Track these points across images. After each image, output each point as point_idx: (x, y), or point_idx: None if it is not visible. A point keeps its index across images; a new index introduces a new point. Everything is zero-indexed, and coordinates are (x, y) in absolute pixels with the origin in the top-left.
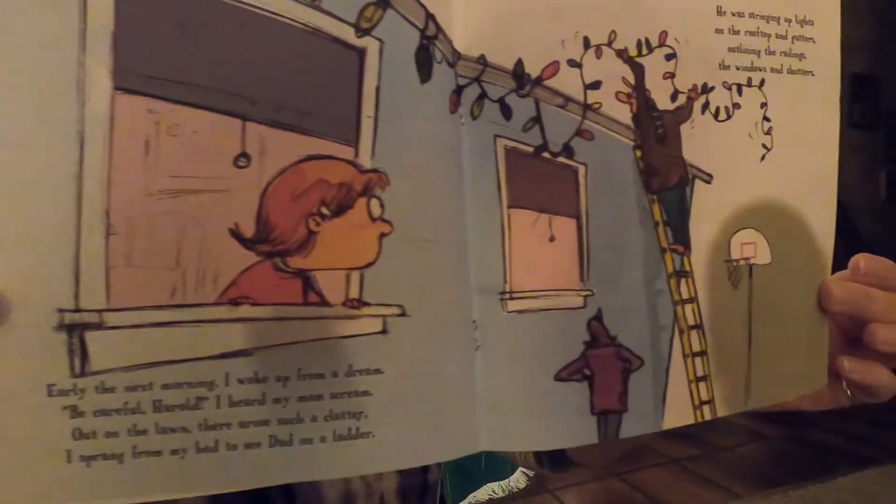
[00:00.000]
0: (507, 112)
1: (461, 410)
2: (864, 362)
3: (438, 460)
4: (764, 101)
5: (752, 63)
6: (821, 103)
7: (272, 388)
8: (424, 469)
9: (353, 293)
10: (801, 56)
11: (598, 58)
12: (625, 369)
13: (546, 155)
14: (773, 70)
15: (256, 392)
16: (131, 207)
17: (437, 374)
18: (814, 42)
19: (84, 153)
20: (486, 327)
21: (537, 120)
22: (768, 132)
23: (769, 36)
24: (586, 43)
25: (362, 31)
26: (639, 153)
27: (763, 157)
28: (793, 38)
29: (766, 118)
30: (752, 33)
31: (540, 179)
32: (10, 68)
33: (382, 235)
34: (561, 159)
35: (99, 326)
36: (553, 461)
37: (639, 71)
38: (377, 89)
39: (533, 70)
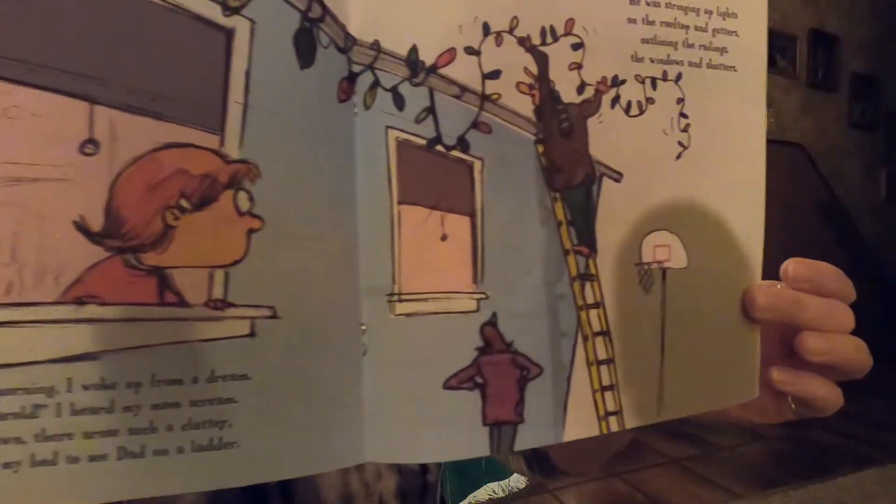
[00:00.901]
0: (399, 102)
1: (343, 419)
2: (797, 373)
3: (316, 472)
4: (681, 96)
5: (668, 56)
6: (745, 100)
7: (122, 395)
8: (424, 469)
9: (217, 293)
10: (722, 50)
11: (499, 45)
12: (521, 377)
13: (440, 148)
14: (691, 64)
15: (103, 399)
16: None
17: (313, 381)
18: (737, 36)
19: None
20: (374, 331)
21: (431, 111)
22: (685, 129)
23: (687, 28)
24: (486, 29)
25: (230, 10)
26: (541, 148)
27: (679, 156)
28: (713, 30)
29: (683, 114)
30: (668, 24)
31: (433, 174)
32: None
33: (251, 231)
34: (455, 153)
35: None
36: (542, 468)
37: (542, 60)
38: (247, 73)
39: (427, 57)
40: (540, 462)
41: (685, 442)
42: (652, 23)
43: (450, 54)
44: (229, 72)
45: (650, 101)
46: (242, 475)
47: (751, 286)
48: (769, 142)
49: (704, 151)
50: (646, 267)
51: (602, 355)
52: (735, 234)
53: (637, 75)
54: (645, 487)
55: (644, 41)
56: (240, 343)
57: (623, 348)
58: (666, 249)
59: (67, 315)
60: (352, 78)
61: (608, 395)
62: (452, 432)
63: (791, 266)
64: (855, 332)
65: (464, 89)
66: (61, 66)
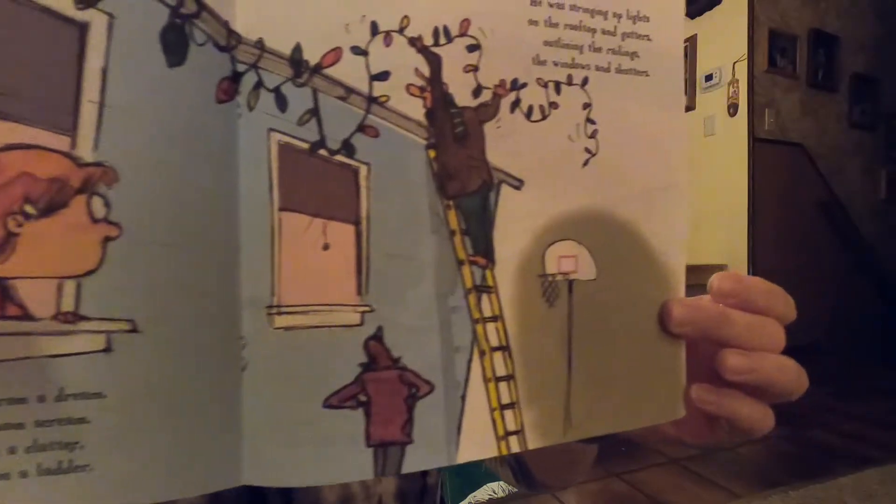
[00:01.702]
0: (282, 103)
1: (217, 439)
2: (719, 392)
3: (184, 496)
4: (588, 101)
5: (573, 60)
6: (660, 106)
7: None
8: (423, 471)
9: (67, 305)
10: (633, 55)
11: (388, 45)
12: (410, 395)
13: (323, 152)
14: (598, 68)
15: None
16: None
17: (181, 398)
18: (649, 40)
19: None
20: (254, 345)
21: (314, 112)
22: (593, 135)
23: (594, 31)
24: (374, 28)
25: (84, 3)
26: (433, 153)
27: (587, 162)
28: (623, 34)
29: (590, 120)
30: (573, 27)
31: (315, 179)
32: None
33: (107, 239)
34: (340, 157)
35: None
36: (524, 479)
37: (434, 62)
38: (104, 71)
39: (312, 57)
40: (522, 473)
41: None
42: (555, 25)
43: (335, 54)
44: (83, 69)
45: (553, 105)
46: (96, 500)
47: (669, 299)
48: (769, 142)
49: (615, 158)
50: (550, 279)
51: (501, 371)
52: (652, 245)
53: (539, 79)
54: (645, 487)
55: (547, 44)
56: (94, 359)
57: (525, 364)
58: (572, 260)
59: None
60: (235, 78)
61: (508, 413)
62: (333, 454)
63: (717, 280)
64: (856, 332)
65: (350, 91)
66: None
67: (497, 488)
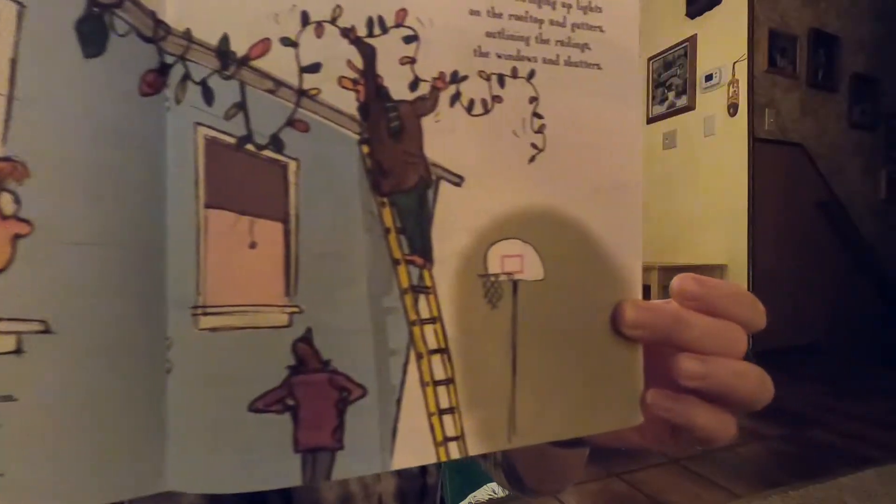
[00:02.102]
0: (208, 96)
1: (140, 444)
2: (675, 398)
3: (105, 501)
4: (534, 94)
5: (518, 52)
6: (613, 99)
7: None
8: (423, 471)
9: None
10: (583, 47)
11: (319, 37)
12: (341, 399)
13: (250, 147)
14: (546, 61)
15: None
16: None
17: (99, 402)
18: (601, 31)
19: None
20: (178, 347)
21: (242, 106)
22: (540, 130)
23: (541, 22)
24: (304, 18)
25: None
26: (366, 149)
27: (533, 159)
28: (573, 25)
29: (536, 114)
30: (518, 17)
31: (242, 175)
32: None
33: (17, 237)
34: (267, 153)
35: None
36: (517, 485)
37: (368, 53)
38: (12, 62)
39: (239, 48)
40: (514, 478)
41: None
42: (498, 15)
43: (263, 45)
44: None
45: (497, 99)
46: None
47: (622, 301)
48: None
49: (564, 154)
50: (492, 279)
51: (439, 375)
52: (604, 245)
53: (481, 71)
54: (645, 487)
55: (489, 35)
56: (3, 360)
57: (465, 367)
58: (517, 260)
59: None
60: (163, 70)
61: (447, 418)
62: (259, 459)
63: (678, 281)
64: (856, 332)
65: (279, 83)
66: None
67: (497, 488)
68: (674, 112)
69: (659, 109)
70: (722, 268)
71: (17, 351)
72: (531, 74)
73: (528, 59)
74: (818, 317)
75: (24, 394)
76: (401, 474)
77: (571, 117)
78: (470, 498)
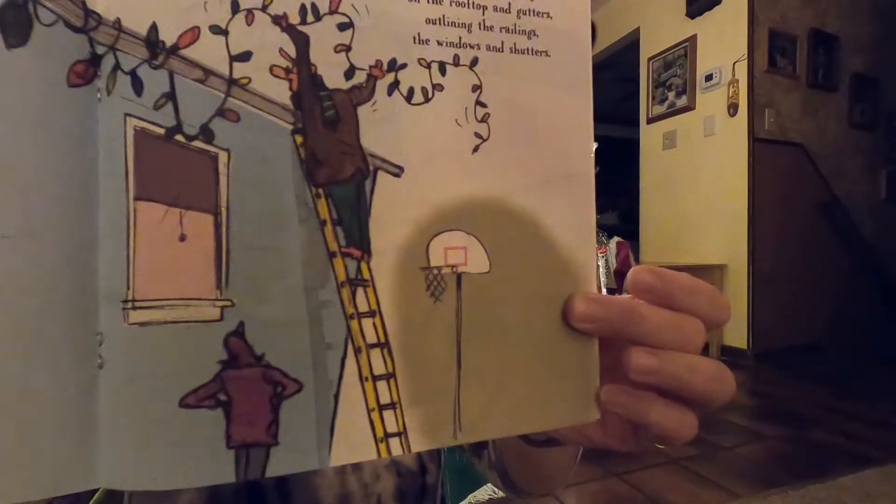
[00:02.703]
0: (137, 86)
1: (69, 440)
2: (631, 394)
3: (31, 499)
4: (477, 83)
5: (459, 39)
6: (562, 88)
7: None
8: (423, 470)
9: None
10: (530, 33)
11: (249, 24)
12: (275, 395)
13: (179, 138)
14: (490, 48)
15: None
16: None
17: (24, 397)
18: (549, 17)
19: None
20: (110, 342)
21: (171, 96)
22: (483, 119)
23: (484, 8)
24: (234, 6)
25: None
26: (300, 139)
27: (477, 148)
28: (519, 12)
29: (480, 103)
30: (459, 4)
31: (172, 167)
32: None
33: None
34: (197, 143)
35: None
36: (510, 486)
37: (301, 41)
38: None
39: (168, 37)
40: (507, 479)
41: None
42: (439, 2)
43: (192, 34)
44: None
45: (438, 87)
46: None
47: (573, 294)
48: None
49: (509, 144)
50: (435, 271)
51: (379, 370)
52: (554, 237)
53: (421, 59)
54: (645, 487)
55: (429, 21)
56: None
57: (407, 362)
58: (460, 252)
59: None
60: (94, 60)
61: (388, 413)
62: (191, 455)
63: (634, 272)
64: (856, 332)
65: (208, 73)
66: None
67: (497, 489)
68: (674, 112)
69: (659, 109)
70: (722, 268)
71: None
72: (474, 62)
73: (471, 47)
74: (818, 317)
75: None
76: (400, 473)
77: (518, 106)
78: (470, 498)
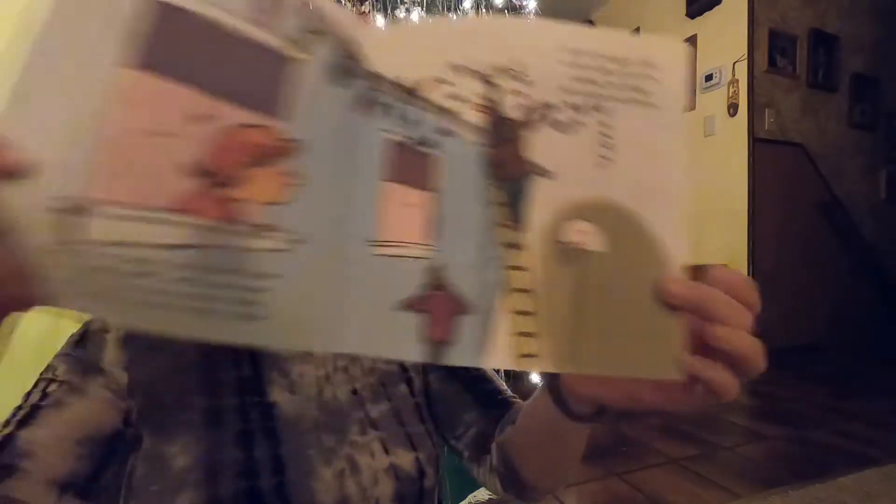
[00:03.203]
0: (390, 113)
1: (336, 310)
2: (702, 360)
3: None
4: (605, 120)
5: (594, 90)
6: (665, 128)
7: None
8: (421, 475)
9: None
10: (643, 91)
11: (462, 77)
12: (456, 311)
13: (413, 145)
14: (615, 99)
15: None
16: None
17: (331, 282)
18: (656, 81)
19: None
20: (361, 265)
21: (409, 119)
22: (608, 146)
23: (612, 72)
24: (454, 66)
25: (299, 50)
26: (487, 150)
27: (602, 165)
28: (636, 75)
29: (605, 135)
30: (595, 68)
31: (409, 163)
32: None
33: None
34: (424, 148)
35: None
36: (514, 487)
37: (492, 88)
38: (296, 99)
39: (413, 84)
40: (511, 480)
41: (685, 442)
42: (582, 66)
43: (428, 81)
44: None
45: (577, 122)
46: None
47: (665, 276)
48: (769, 142)
49: (625, 165)
50: (568, 245)
51: (523, 307)
52: (652, 233)
53: (566, 102)
54: (645, 487)
55: (573, 78)
56: (279, 256)
57: (542, 306)
58: (585, 234)
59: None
60: (368, 95)
61: (526, 340)
62: (397, 341)
63: (718, 270)
64: (856, 332)
65: (435, 106)
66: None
67: None
68: None
69: None
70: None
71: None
72: (603, 107)
73: (602, 97)
74: (818, 317)
75: (286, 276)
76: (399, 478)
77: (632, 137)
78: (470, 498)
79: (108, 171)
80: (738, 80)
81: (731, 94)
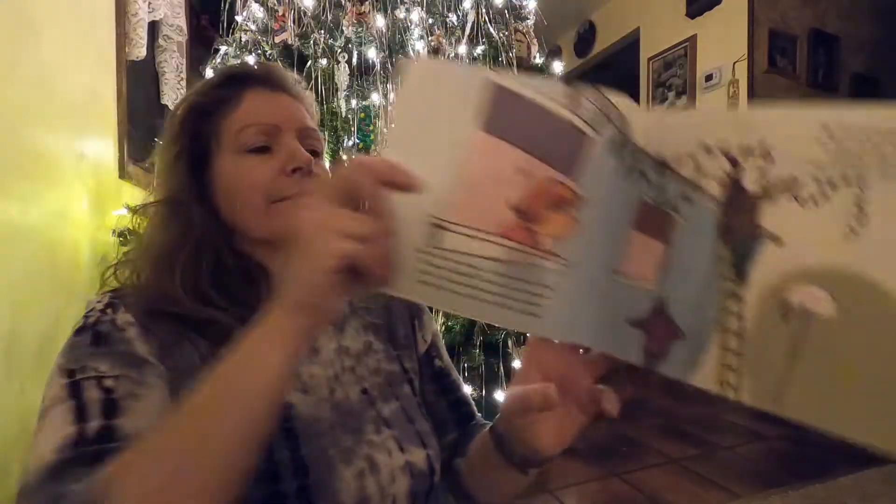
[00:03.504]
0: (647, 181)
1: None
2: None
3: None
4: (861, 193)
5: (852, 165)
6: None
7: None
8: (432, 471)
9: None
10: None
11: (710, 154)
12: (673, 336)
13: (661, 207)
14: (879, 174)
15: None
16: None
17: (587, 296)
18: None
19: None
20: (605, 286)
21: (665, 187)
22: (859, 219)
23: (880, 145)
24: (706, 146)
25: (593, 130)
26: (721, 216)
27: (849, 238)
28: None
29: (859, 207)
30: (858, 141)
31: (656, 221)
32: None
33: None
34: (668, 210)
35: None
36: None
37: (737, 167)
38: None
39: (668, 158)
40: (463, 496)
41: (685, 442)
42: (840, 141)
43: (685, 159)
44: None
45: (824, 196)
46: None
47: None
48: None
49: (878, 238)
50: (791, 305)
51: (731, 346)
52: (892, 307)
53: (815, 177)
54: (645, 487)
55: (826, 155)
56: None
57: (751, 348)
58: (815, 299)
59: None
60: (634, 163)
61: (728, 372)
62: (624, 343)
63: None
64: None
65: (684, 179)
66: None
67: None
68: None
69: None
70: None
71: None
72: (859, 180)
73: (860, 169)
74: None
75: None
76: (413, 474)
77: (891, 212)
78: None
79: (461, 201)
80: (738, 80)
81: (731, 94)
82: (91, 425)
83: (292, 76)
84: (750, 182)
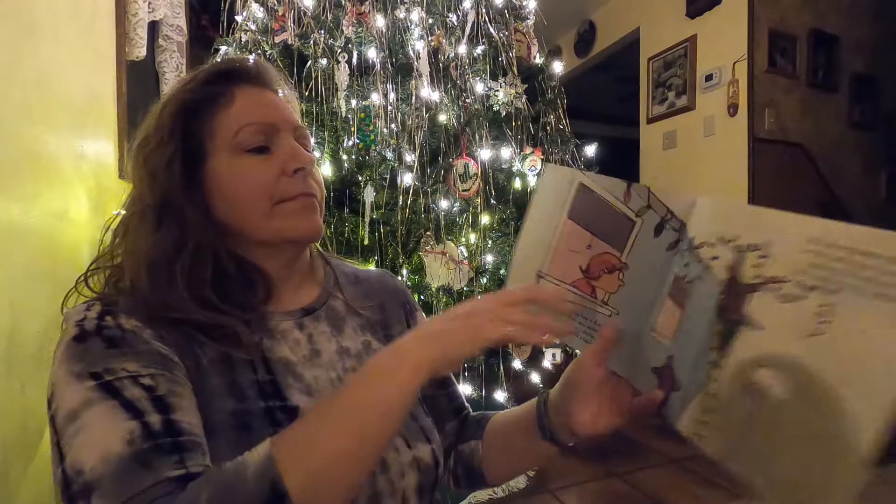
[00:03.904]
0: (680, 257)
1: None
2: None
3: None
4: (832, 302)
5: (829, 276)
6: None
7: None
8: (437, 465)
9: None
10: (889, 285)
11: (724, 246)
12: (672, 385)
13: (685, 279)
14: (851, 288)
15: None
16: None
17: (626, 341)
18: None
19: None
20: (640, 337)
21: (690, 265)
22: (824, 322)
23: (856, 264)
24: (722, 238)
25: (637, 215)
26: (721, 298)
27: (811, 337)
28: (883, 272)
29: (823, 313)
30: (838, 259)
31: (682, 291)
32: None
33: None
34: (689, 281)
35: None
36: (470, 485)
37: (738, 261)
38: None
39: (701, 243)
40: (471, 479)
41: (685, 442)
42: (824, 255)
43: (705, 244)
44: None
45: (803, 297)
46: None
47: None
48: (769, 142)
49: (839, 345)
50: (753, 381)
51: (707, 404)
52: (845, 408)
53: (798, 280)
54: (645, 487)
55: (812, 265)
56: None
57: (720, 410)
58: (773, 380)
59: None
60: (675, 242)
61: (702, 424)
62: (641, 384)
63: None
64: None
65: (700, 259)
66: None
67: (498, 489)
68: (674, 112)
69: (659, 109)
70: None
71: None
72: (835, 291)
73: (837, 283)
74: None
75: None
76: (420, 469)
77: (853, 325)
78: (470, 498)
79: (555, 261)
80: (738, 80)
81: (731, 94)
82: (151, 419)
83: (278, 72)
84: (745, 274)
